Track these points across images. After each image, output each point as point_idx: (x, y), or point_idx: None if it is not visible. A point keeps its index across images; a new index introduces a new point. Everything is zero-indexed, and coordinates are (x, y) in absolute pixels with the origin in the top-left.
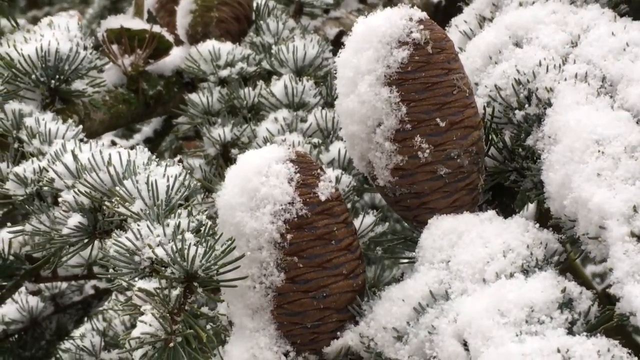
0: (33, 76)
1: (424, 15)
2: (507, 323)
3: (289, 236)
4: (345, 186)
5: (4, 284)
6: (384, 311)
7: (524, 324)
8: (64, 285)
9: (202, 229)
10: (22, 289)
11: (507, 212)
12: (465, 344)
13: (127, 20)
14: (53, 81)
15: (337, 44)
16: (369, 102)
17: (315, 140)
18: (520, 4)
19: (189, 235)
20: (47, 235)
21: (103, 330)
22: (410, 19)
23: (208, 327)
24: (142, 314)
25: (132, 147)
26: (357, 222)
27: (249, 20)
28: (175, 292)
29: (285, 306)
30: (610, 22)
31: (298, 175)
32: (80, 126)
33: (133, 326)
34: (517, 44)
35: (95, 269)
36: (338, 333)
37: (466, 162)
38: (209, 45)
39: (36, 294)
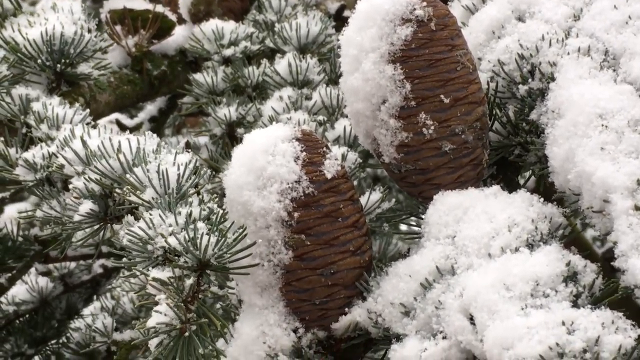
0: (39, 60)
1: None
2: (512, 297)
3: (296, 214)
4: (352, 163)
5: (14, 265)
6: (391, 287)
7: (529, 298)
8: (73, 265)
9: (214, 216)
10: (32, 269)
11: (511, 186)
12: (471, 318)
13: (130, 1)
14: (59, 65)
15: (338, 18)
16: (373, 80)
17: (320, 117)
18: None
19: (201, 225)
20: (58, 221)
21: (112, 308)
22: None
23: (218, 306)
24: (156, 303)
25: (137, 128)
26: (363, 199)
27: None
28: (189, 282)
29: (293, 283)
30: None
31: (304, 153)
32: (87, 110)
33: (141, 306)
34: (520, 18)
35: (105, 249)
36: (346, 309)
37: (470, 137)
38: (212, 24)
39: (46, 275)
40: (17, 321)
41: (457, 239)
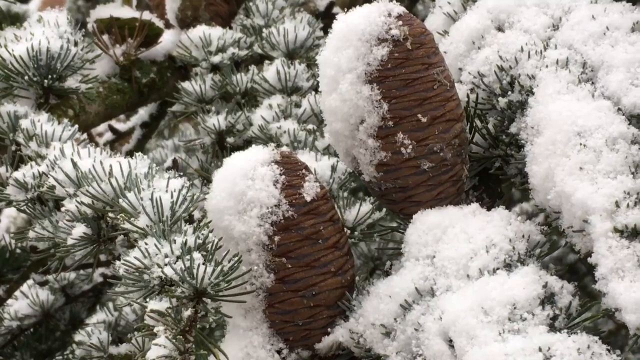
0: (26, 77)
1: (402, 10)
2: (490, 321)
3: (276, 238)
4: (342, 174)
5: (12, 277)
6: (372, 308)
7: (507, 322)
8: (73, 275)
9: (209, 245)
10: (31, 282)
11: (493, 196)
12: (450, 342)
13: (116, 9)
14: (46, 80)
15: (327, 16)
16: (350, 101)
17: (310, 126)
18: None
19: (196, 255)
20: (51, 241)
21: (115, 320)
22: (389, 15)
23: (218, 333)
24: (155, 335)
25: (130, 132)
26: (354, 210)
27: (238, 1)
28: (186, 312)
29: (276, 305)
30: (592, 3)
31: (283, 177)
32: (76, 126)
33: (143, 316)
34: (500, 28)
35: (103, 257)
36: (329, 329)
37: (449, 155)
38: (199, 31)
39: (44, 284)
40: (22, 336)
41: (436, 259)
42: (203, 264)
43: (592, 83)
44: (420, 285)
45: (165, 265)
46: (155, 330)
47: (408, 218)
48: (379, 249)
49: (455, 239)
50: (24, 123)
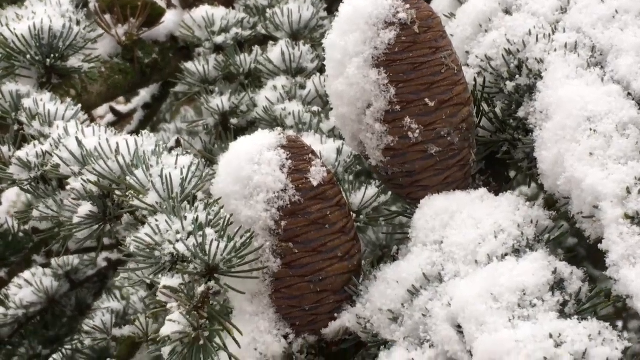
0: (28, 56)
1: None
2: (500, 308)
3: (283, 223)
4: (347, 157)
5: (15, 260)
6: (379, 293)
7: (517, 308)
8: (77, 261)
9: (221, 221)
10: (34, 270)
11: (500, 179)
12: (459, 328)
13: None
14: (48, 59)
15: None
16: (357, 85)
17: (315, 108)
18: None
19: (209, 230)
20: (55, 220)
21: (124, 309)
22: None
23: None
24: (168, 311)
25: (131, 114)
26: (359, 194)
27: None
28: (199, 288)
29: (283, 290)
30: None
31: (290, 161)
32: (79, 105)
33: (154, 314)
34: (507, 11)
35: (107, 241)
36: (336, 314)
37: (456, 139)
38: (202, 11)
39: (46, 266)
40: (29, 324)
41: (444, 245)
42: (215, 240)
43: (602, 67)
44: (427, 270)
45: (177, 241)
46: (168, 306)
47: (415, 202)
48: (386, 235)
49: (463, 224)
50: (27, 102)
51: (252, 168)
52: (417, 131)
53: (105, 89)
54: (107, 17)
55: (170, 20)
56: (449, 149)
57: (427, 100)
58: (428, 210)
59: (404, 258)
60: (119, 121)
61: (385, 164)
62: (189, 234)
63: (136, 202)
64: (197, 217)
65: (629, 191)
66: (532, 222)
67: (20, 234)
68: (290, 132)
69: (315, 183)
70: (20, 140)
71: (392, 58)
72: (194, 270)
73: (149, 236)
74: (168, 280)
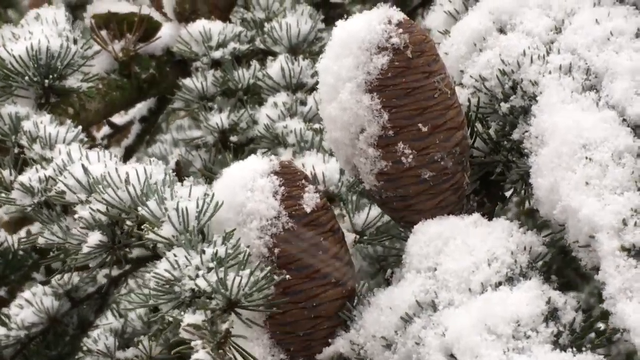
0: (27, 77)
1: (402, 16)
2: (494, 339)
3: (276, 250)
4: (350, 176)
5: (15, 279)
6: (372, 319)
7: (511, 340)
8: (76, 279)
9: (241, 255)
10: (34, 289)
11: (495, 199)
12: (452, 358)
13: (114, 4)
14: (47, 80)
15: (325, 5)
16: (350, 110)
17: (317, 125)
18: None
19: (228, 265)
20: (62, 247)
21: (122, 327)
22: (389, 22)
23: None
24: (192, 349)
25: (128, 126)
26: (363, 214)
27: None
28: (223, 325)
29: (277, 317)
30: (595, 5)
31: (283, 187)
32: (80, 127)
33: (150, 321)
34: (501, 30)
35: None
36: (330, 340)
37: (450, 163)
38: (199, 25)
39: (46, 284)
40: (31, 344)
41: (438, 272)
42: (236, 274)
43: (597, 91)
44: (421, 298)
45: (197, 277)
46: (193, 344)
47: (409, 226)
48: (385, 248)
49: (456, 251)
50: (26, 125)
51: (245, 195)
52: (411, 156)
53: (103, 105)
54: (103, 33)
55: (166, 33)
56: (443, 173)
57: (420, 125)
58: (422, 236)
59: (397, 284)
60: (115, 133)
61: (379, 188)
62: (209, 269)
63: (152, 236)
64: (217, 251)
65: (625, 223)
66: (525, 248)
67: (20, 252)
68: (284, 157)
69: (308, 209)
70: (22, 164)
71: (385, 83)
72: (216, 306)
73: (168, 272)
74: (190, 317)
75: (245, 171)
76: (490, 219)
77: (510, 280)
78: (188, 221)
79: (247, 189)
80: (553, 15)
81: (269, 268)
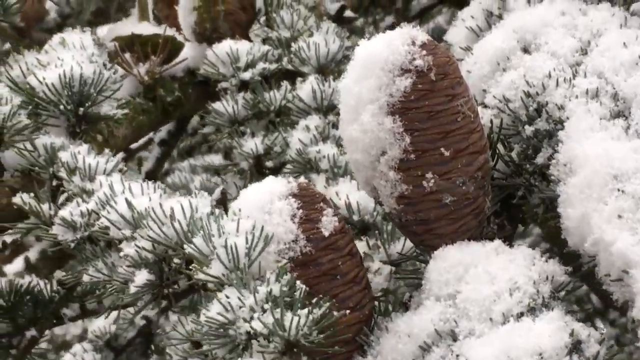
0: (61, 106)
1: (426, 37)
2: None
3: (294, 274)
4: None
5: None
6: (390, 347)
7: None
8: (113, 327)
9: (297, 293)
10: (74, 350)
11: (515, 222)
12: None
13: (135, 25)
14: (82, 108)
15: (339, 19)
16: (372, 132)
17: None
18: (529, 1)
19: (284, 303)
20: (107, 285)
21: None
22: (413, 43)
23: None
24: None
25: (146, 146)
26: (399, 244)
27: (254, 9)
28: None
29: None
30: (622, 27)
31: (301, 211)
32: (119, 156)
33: None
34: (526, 50)
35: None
36: None
37: (472, 188)
38: (226, 46)
39: (76, 319)
40: None
41: (458, 300)
42: (294, 314)
43: (625, 118)
44: (440, 326)
45: (252, 319)
46: None
47: (429, 249)
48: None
49: (477, 279)
50: (64, 156)
51: (262, 218)
52: (432, 180)
53: (130, 131)
54: (127, 55)
55: (187, 54)
56: (464, 197)
57: (442, 149)
58: (442, 262)
59: (416, 311)
60: (131, 156)
61: (399, 211)
62: (263, 310)
63: (201, 276)
64: (271, 290)
65: None
66: (547, 278)
67: (49, 292)
68: (302, 179)
69: (326, 233)
70: (60, 197)
71: (407, 106)
72: (275, 349)
73: (222, 315)
74: None
75: (263, 193)
76: (510, 242)
77: (532, 310)
78: (238, 258)
79: (264, 211)
80: (579, 36)
81: (327, 305)
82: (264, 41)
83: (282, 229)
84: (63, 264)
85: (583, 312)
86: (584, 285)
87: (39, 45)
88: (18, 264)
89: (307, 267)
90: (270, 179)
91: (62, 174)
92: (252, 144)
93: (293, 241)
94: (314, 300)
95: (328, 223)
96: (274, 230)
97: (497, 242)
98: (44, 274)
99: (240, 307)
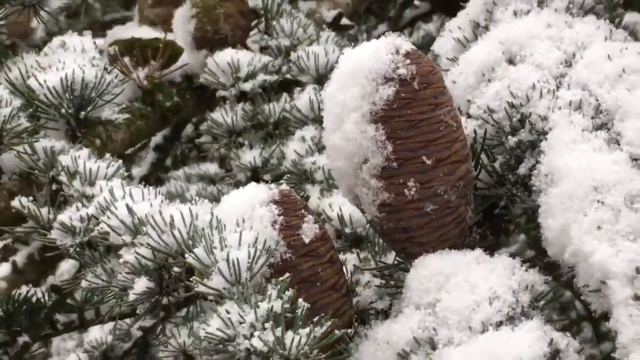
0: (62, 110)
1: (410, 46)
2: None
3: (273, 280)
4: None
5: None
6: (369, 353)
7: None
8: (109, 338)
9: (299, 310)
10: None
11: (498, 232)
12: None
13: (135, 30)
14: (82, 112)
15: (335, 27)
16: (354, 140)
17: None
18: (515, 13)
19: (284, 320)
20: (106, 291)
21: None
22: (397, 52)
23: None
24: None
25: (140, 150)
26: (390, 257)
27: (251, 15)
28: None
29: None
30: (607, 40)
31: (282, 217)
32: (120, 162)
33: None
34: (511, 61)
35: None
36: None
37: (453, 197)
38: (227, 56)
39: (69, 326)
40: None
41: (438, 309)
42: (295, 333)
43: (607, 130)
44: (419, 334)
45: (252, 336)
46: None
47: (409, 257)
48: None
49: (457, 288)
50: (64, 160)
51: (243, 224)
52: (414, 189)
53: (128, 135)
54: (126, 60)
55: (185, 60)
56: (446, 206)
57: (424, 157)
58: (423, 270)
59: (396, 319)
60: (126, 161)
61: (381, 219)
62: (264, 327)
63: (202, 288)
64: (272, 307)
65: (638, 271)
66: (527, 287)
67: (39, 299)
68: (284, 186)
69: (306, 240)
70: (59, 201)
71: (390, 114)
72: None
73: (221, 330)
74: None
75: (245, 199)
76: (492, 251)
77: (511, 319)
78: (240, 272)
79: (246, 217)
80: (564, 49)
81: (329, 323)
82: (264, 49)
83: (262, 235)
84: (50, 269)
85: (567, 319)
86: (564, 294)
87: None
88: (4, 267)
89: (287, 273)
90: (252, 185)
91: (62, 177)
92: (250, 156)
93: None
94: (315, 319)
95: (309, 230)
96: None
97: (478, 252)
98: (31, 278)
99: (241, 323)
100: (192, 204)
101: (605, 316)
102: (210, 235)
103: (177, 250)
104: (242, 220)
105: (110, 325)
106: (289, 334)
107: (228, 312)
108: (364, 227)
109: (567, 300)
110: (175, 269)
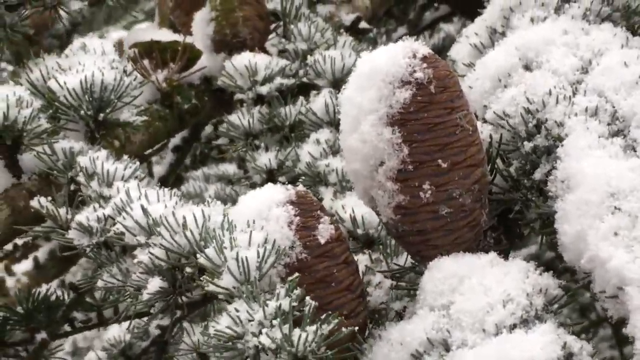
0: (82, 111)
1: (427, 51)
2: None
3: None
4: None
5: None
6: (382, 354)
7: None
8: (127, 336)
9: (306, 308)
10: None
11: (512, 237)
12: None
13: (155, 32)
14: (102, 114)
15: (354, 30)
16: (371, 142)
17: None
18: (532, 20)
19: (293, 319)
20: (121, 290)
21: None
22: (414, 56)
23: None
24: None
25: (159, 151)
26: (401, 259)
27: (269, 19)
28: None
29: None
30: (623, 47)
31: (298, 218)
32: (137, 163)
33: None
34: (527, 67)
35: None
36: None
37: (468, 200)
38: (245, 59)
39: (87, 324)
40: None
41: (452, 310)
42: (302, 330)
43: (624, 136)
44: (432, 335)
45: (260, 333)
46: None
47: (424, 260)
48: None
49: (471, 290)
50: (82, 161)
51: (260, 224)
52: (429, 191)
53: (147, 137)
54: (145, 62)
55: (204, 63)
56: (460, 209)
57: (440, 161)
58: (437, 273)
59: (409, 320)
60: (141, 162)
61: (396, 221)
62: (272, 324)
63: (211, 287)
64: (280, 304)
65: None
66: (541, 290)
67: (57, 297)
68: (300, 187)
69: (322, 240)
70: (78, 202)
71: (406, 117)
72: None
73: (230, 328)
74: None
75: (261, 200)
76: (506, 256)
77: (525, 322)
78: (249, 271)
79: (262, 217)
80: (580, 55)
81: (336, 321)
82: (281, 52)
83: (278, 235)
84: (72, 265)
85: (587, 321)
86: (584, 295)
87: (48, 52)
88: (27, 263)
89: (303, 274)
90: (269, 186)
91: (80, 178)
92: (266, 158)
93: (289, 247)
94: (323, 316)
95: (324, 231)
96: (271, 236)
97: (492, 255)
98: (52, 274)
99: (250, 321)
100: (205, 205)
101: (623, 321)
102: (221, 236)
103: (189, 250)
104: (257, 220)
105: (128, 324)
106: (297, 331)
107: (237, 311)
108: (376, 228)
109: (586, 302)
110: (188, 269)
